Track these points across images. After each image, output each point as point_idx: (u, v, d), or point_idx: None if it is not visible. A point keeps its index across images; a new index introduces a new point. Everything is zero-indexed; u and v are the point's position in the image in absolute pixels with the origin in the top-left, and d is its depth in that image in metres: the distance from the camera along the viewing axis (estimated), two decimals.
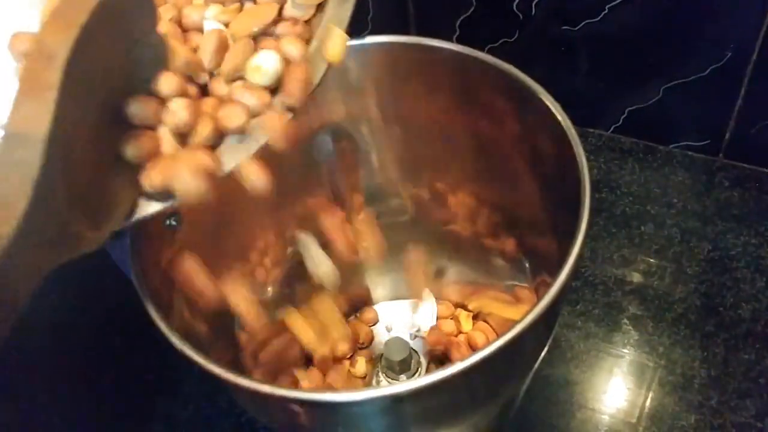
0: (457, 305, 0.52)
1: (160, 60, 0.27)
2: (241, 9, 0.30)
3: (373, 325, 0.52)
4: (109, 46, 0.24)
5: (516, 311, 0.47)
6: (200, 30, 0.30)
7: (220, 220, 0.41)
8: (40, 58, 0.21)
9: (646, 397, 0.48)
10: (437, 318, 0.52)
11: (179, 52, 0.27)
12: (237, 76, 0.29)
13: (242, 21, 0.30)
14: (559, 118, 0.34)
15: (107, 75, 0.24)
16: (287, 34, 0.30)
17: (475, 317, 0.51)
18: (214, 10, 0.30)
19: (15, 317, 0.21)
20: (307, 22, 0.30)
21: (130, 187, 0.26)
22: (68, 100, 0.21)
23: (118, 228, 0.26)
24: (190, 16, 0.29)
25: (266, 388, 0.28)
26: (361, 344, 0.51)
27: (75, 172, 0.23)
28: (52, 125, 0.21)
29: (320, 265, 0.44)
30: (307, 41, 0.30)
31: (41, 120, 0.21)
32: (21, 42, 0.30)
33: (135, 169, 0.26)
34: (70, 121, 0.22)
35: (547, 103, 0.35)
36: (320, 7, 0.31)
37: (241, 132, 0.27)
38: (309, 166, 0.44)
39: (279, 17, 0.30)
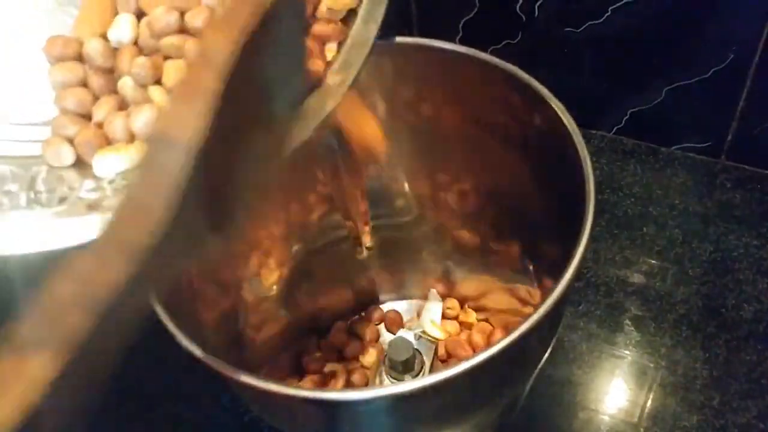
0: (463, 305, 0.52)
1: (298, 63, 0.26)
2: None
3: (379, 323, 0.53)
4: (264, 51, 0.23)
5: (521, 311, 0.47)
6: None
7: None
8: (201, 61, 0.20)
9: (648, 398, 0.48)
10: (442, 318, 0.52)
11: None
12: None
13: None
14: (564, 119, 0.34)
15: (261, 76, 0.24)
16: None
17: (480, 318, 0.51)
18: None
19: (132, 335, 0.20)
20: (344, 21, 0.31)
21: (253, 188, 0.25)
22: (222, 106, 0.20)
23: (237, 229, 0.25)
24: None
25: (272, 387, 0.28)
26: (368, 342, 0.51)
27: (213, 179, 0.22)
28: (203, 132, 0.20)
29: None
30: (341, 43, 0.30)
31: (192, 125, 0.20)
32: (55, 46, 0.30)
33: (263, 171, 0.25)
34: (218, 127, 0.21)
35: (552, 104, 0.35)
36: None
37: None
38: (313, 166, 0.44)
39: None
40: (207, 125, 0.20)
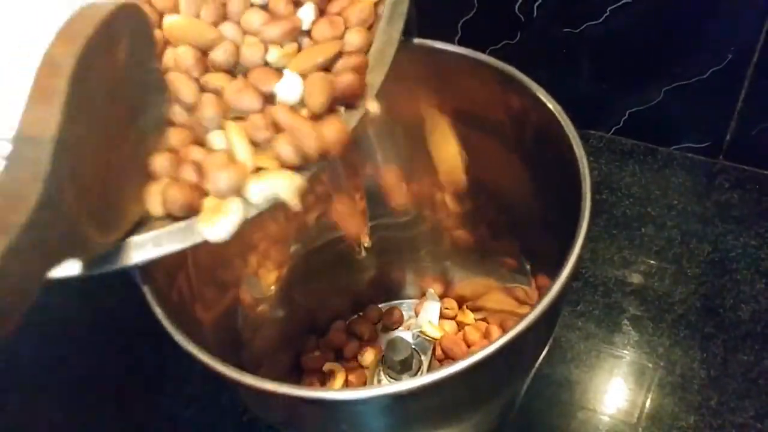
0: (460, 305, 0.52)
1: (158, 85, 0.29)
2: (299, 50, 0.31)
3: (377, 323, 0.53)
4: (113, 63, 0.26)
5: (518, 311, 0.47)
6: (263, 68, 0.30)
7: None
8: (48, 67, 0.23)
9: (646, 398, 0.48)
10: (440, 318, 0.52)
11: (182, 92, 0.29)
12: None
13: (304, 58, 0.30)
14: (561, 120, 0.34)
15: (116, 89, 0.27)
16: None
17: (478, 318, 0.51)
18: (275, 53, 0.30)
19: (21, 310, 0.22)
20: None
21: (139, 201, 0.28)
22: (75, 107, 0.23)
23: (122, 237, 0.28)
24: (249, 56, 0.30)
25: (270, 386, 0.28)
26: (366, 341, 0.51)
27: (86, 177, 0.24)
28: (60, 128, 0.23)
29: None
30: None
31: (49, 123, 0.23)
32: None
33: (138, 186, 0.28)
34: (79, 127, 0.24)
35: (549, 105, 0.35)
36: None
37: None
38: None
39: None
40: (62, 122, 0.23)
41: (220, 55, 0.30)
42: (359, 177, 0.42)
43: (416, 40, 0.38)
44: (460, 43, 0.39)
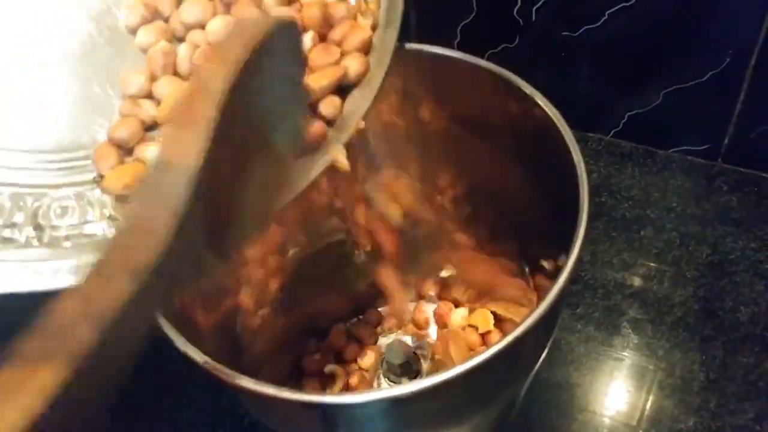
0: (459, 307, 0.52)
1: (299, 100, 0.28)
2: None
3: (377, 326, 0.53)
4: (260, 84, 0.24)
5: (517, 314, 0.47)
6: None
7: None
8: (199, 90, 0.22)
9: (646, 400, 0.49)
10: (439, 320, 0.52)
11: None
12: None
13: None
14: (558, 124, 0.35)
15: (254, 111, 0.25)
16: None
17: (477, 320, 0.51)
18: None
19: (135, 351, 0.21)
20: None
21: (257, 220, 0.27)
22: (220, 134, 0.22)
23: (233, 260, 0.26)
24: None
25: (270, 391, 0.28)
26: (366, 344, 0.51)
27: (213, 205, 0.23)
28: (202, 157, 0.21)
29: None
30: None
31: (192, 150, 0.21)
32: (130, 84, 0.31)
33: (265, 204, 0.27)
34: (218, 154, 0.22)
35: (546, 109, 0.35)
36: None
37: None
38: None
39: None
40: (205, 151, 0.21)
41: None
42: (359, 182, 0.42)
43: (415, 46, 0.39)
44: (459, 47, 0.39)
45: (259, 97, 0.25)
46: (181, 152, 0.21)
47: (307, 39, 0.32)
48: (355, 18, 0.33)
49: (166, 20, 0.34)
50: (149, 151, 0.31)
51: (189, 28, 0.33)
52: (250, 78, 0.23)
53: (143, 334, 0.21)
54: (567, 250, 0.31)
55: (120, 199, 0.31)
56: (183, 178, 0.20)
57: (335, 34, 0.32)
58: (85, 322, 0.18)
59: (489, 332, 0.49)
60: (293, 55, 0.27)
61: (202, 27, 0.33)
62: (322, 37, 0.32)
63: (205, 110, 0.21)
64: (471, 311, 0.52)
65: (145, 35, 0.33)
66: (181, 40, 0.34)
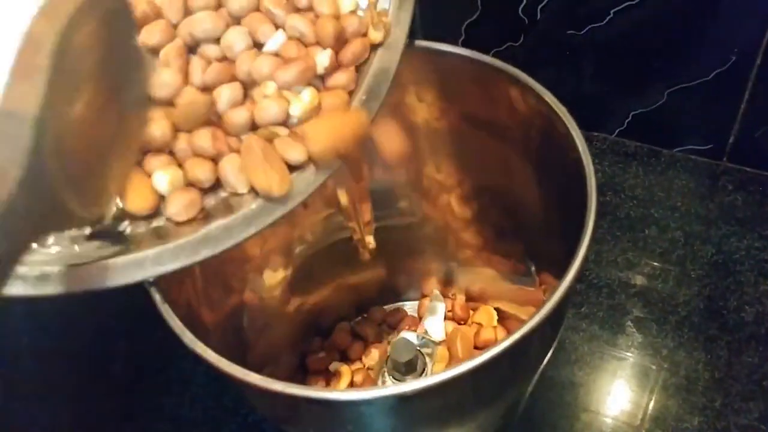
0: (465, 306, 0.52)
1: (137, 62, 0.30)
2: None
3: (382, 324, 0.53)
4: (94, 40, 0.26)
5: (523, 313, 0.47)
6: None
7: None
8: (30, 44, 0.24)
9: (650, 400, 0.49)
10: (445, 319, 0.52)
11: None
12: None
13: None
14: (566, 122, 0.35)
15: (97, 66, 0.27)
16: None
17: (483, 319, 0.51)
18: (297, 108, 0.31)
19: (2, 283, 0.22)
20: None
21: (121, 177, 0.29)
22: (57, 83, 0.23)
23: (104, 212, 0.29)
24: (267, 109, 0.31)
25: (276, 386, 0.28)
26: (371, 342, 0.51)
27: (68, 152, 0.25)
28: (42, 104, 0.23)
29: None
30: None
31: (31, 99, 0.23)
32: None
33: (119, 165, 0.29)
34: (61, 103, 0.24)
35: (554, 107, 0.35)
36: None
37: None
38: None
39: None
40: (45, 98, 0.23)
41: (236, 116, 0.31)
42: (364, 178, 0.42)
43: (421, 43, 0.39)
44: (464, 46, 0.39)
45: (96, 55, 0.27)
46: (21, 101, 0.23)
47: (325, 58, 0.32)
48: (366, 32, 0.33)
49: (174, 27, 0.33)
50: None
51: (200, 41, 0.33)
52: (81, 33, 0.25)
53: (6, 270, 0.23)
54: (573, 249, 0.31)
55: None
56: (26, 124, 0.22)
57: (347, 56, 0.32)
58: None
59: (494, 328, 0.49)
60: (123, 17, 0.29)
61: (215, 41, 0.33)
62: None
63: (39, 61, 0.23)
64: (475, 309, 0.52)
65: (148, 35, 0.33)
66: (190, 49, 0.33)
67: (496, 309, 0.51)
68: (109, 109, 0.28)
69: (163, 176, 0.31)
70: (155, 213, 0.31)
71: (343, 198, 0.43)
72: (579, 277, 0.31)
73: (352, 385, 0.48)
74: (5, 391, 0.52)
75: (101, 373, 0.54)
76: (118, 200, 0.31)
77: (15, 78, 0.23)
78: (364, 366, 0.50)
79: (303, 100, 0.31)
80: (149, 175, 0.31)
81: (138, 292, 0.32)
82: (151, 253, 0.30)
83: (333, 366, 0.49)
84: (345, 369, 0.49)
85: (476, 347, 0.49)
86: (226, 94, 0.31)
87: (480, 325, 0.51)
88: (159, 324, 0.31)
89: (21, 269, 0.29)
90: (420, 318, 0.53)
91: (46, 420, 0.52)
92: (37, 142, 0.22)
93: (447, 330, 0.51)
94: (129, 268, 0.30)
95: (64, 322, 0.55)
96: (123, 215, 0.31)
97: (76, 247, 0.30)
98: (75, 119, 0.25)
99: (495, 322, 0.50)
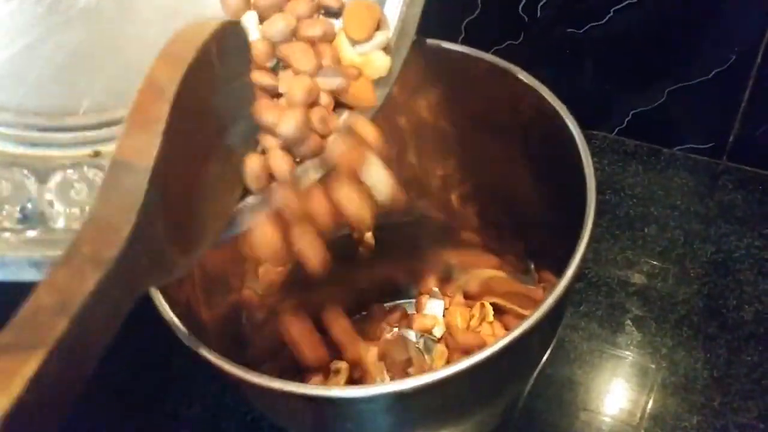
0: (466, 301, 0.52)
1: (249, 97, 0.29)
2: None
3: (381, 322, 0.53)
4: (210, 81, 0.26)
5: (522, 312, 0.47)
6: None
7: None
8: (150, 91, 0.23)
9: (649, 398, 0.49)
10: (443, 317, 0.52)
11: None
12: None
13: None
14: (566, 120, 0.35)
15: (209, 105, 0.26)
16: None
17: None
18: None
19: (104, 345, 0.22)
20: None
21: (218, 217, 0.28)
22: (174, 133, 0.23)
23: (203, 253, 0.27)
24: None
25: (274, 384, 0.28)
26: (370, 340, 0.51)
27: (174, 200, 0.24)
28: (159, 157, 0.22)
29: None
30: None
31: (149, 151, 0.22)
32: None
33: (224, 200, 0.28)
34: (174, 152, 0.23)
35: (554, 105, 0.35)
36: None
37: None
38: None
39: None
40: (161, 150, 0.22)
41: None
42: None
43: (421, 40, 0.38)
44: (464, 44, 0.39)
45: (211, 96, 0.26)
46: (138, 152, 0.22)
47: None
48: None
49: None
50: None
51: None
52: (201, 77, 0.24)
53: (113, 325, 0.22)
54: (573, 247, 0.31)
55: None
56: (141, 178, 0.22)
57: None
58: (58, 312, 0.20)
59: (490, 324, 0.49)
60: (241, 55, 0.29)
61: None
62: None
63: (159, 111, 0.22)
64: (470, 306, 0.52)
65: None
66: None
67: (495, 306, 0.51)
68: (217, 149, 0.27)
69: None
70: None
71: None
72: (578, 276, 0.31)
73: (351, 382, 0.48)
74: None
75: (100, 371, 0.54)
76: None
77: (132, 126, 0.22)
78: (364, 363, 0.50)
79: None
80: None
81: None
82: None
83: (334, 365, 0.49)
84: (343, 366, 0.49)
85: (468, 345, 0.49)
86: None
87: (479, 322, 0.51)
88: (158, 322, 0.31)
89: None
90: (418, 316, 0.53)
91: None
92: (151, 196, 0.22)
93: (446, 327, 0.51)
94: None
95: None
96: None
97: None
98: (183, 164, 0.24)
99: (491, 318, 0.50)
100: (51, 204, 0.29)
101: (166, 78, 0.23)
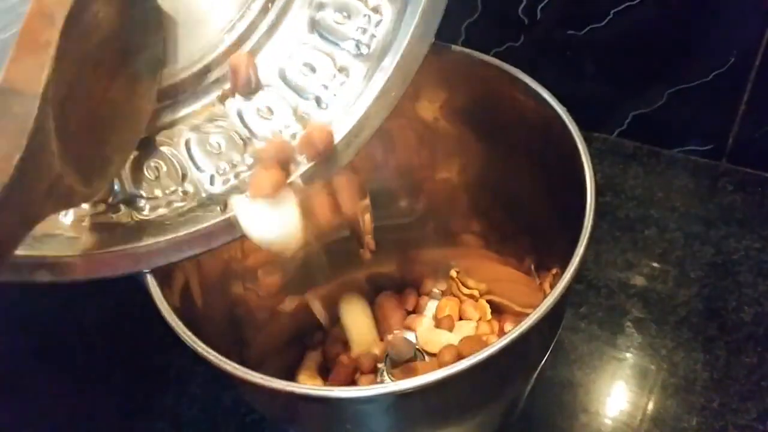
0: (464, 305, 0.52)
1: (155, 24, 0.28)
2: None
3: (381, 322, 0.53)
4: (110, 9, 0.25)
5: (522, 313, 0.47)
6: None
7: None
8: (39, 17, 0.22)
9: (649, 400, 0.49)
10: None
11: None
12: None
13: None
14: (567, 122, 0.35)
15: (108, 34, 0.25)
16: None
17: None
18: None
19: (4, 265, 0.22)
20: None
21: (123, 149, 0.27)
22: (64, 60, 0.22)
23: (107, 185, 0.27)
24: None
25: (275, 384, 0.28)
26: None
27: (69, 129, 0.23)
28: (48, 82, 0.21)
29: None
30: None
31: (37, 77, 0.21)
32: None
33: (127, 131, 0.27)
34: (66, 80, 0.22)
35: (555, 107, 0.35)
36: None
37: None
38: None
39: None
40: (52, 75, 0.21)
41: None
42: (361, 176, 0.42)
43: None
44: (464, 46, 0.39)
45: (111, 21, 0.25)
46: (27, 78, 0.21)
47: None
48: None
49: None
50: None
51: None
52: (92, 2, 0.24)
53: (6, 254, 0.22)
54: (572, 249, 0.31)
55: None
56: (31, 104, 0.21)
57: None
58: None
59: (488, 322, 0.49)
60: None
61: None
62: None
63: (49, 35, 0.22)
64: (463, 301, 0.52)
65: None
66: None
67: (494, 306, 0.51)
68: (119, 78, 0.26)
69: None
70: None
71: (345, 207, 0.43)
72: (578, 277, 0.31)
73: (351, 383, 0.48)
74: (4, 391, 0.52)
75: (100, 372, 0.54)
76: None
77: (21, 52, 0.21)
78: (364, 364, 0.50)
79: None
80: None
81: (138, 291, 0.32)
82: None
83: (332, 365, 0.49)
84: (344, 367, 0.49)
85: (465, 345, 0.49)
86: None
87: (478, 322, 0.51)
88: (158, 323, 0.31)
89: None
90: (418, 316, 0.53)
91: (45, 419, 0.52)
92: (41, 122, 0.21)
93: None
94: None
95: (64, 322, 0.55)
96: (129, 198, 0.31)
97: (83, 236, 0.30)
98: (80, 92, 0.24)
99: (489, 316, 0.50)
100: None
101: (56, 4, 0.22)
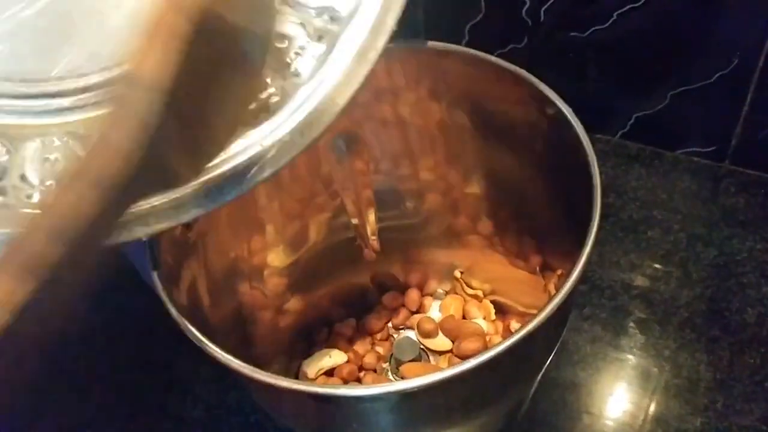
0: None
1: (266, 11, 0.27)
2: None
3: (387, 322, 0.53)
4: (232, 17, 0.24)
5: (527, 314, 0.47)
6: None
7: (234, 229, 0.41)
8: (174, 9, 0.21)
9: (652, 401, 0.49)
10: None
11: None
12: None
13: None
14: (572, 121, 0.35)
15: (224, 25, 0.24)
16: None
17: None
18: None
19: (102, 264, 0.21)
20: None
21: (229, 129, 0.26)
22: (190, 49, 0.21)
23: (209, 163, 0.26)
24: None
25: (280, 382, 0.28)
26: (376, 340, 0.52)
27: (184, 118, 0.22)
28: (174, 74, 0.20)
29: None
30: None
31: (164, 67, 0.20)
32: None
33: (236, 110, 0.26)
34: (187, 69, 0.21)
35: (560, 106, 0.36)
36: None
37: None
38: (319, 174, 0.45)
39: None
40: (177, 68, 0.20)
41: None
42: (368, 176, 0.42)
43: (427, 43, 0.39)
44: (468, 47, 0.39)
45: (230, 11, 0.24)
46: (152, 67, 0.20)
47: None
48: None
49: None
50: None
51: None
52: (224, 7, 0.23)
53: (107, 250, 0.21)
54: (578, 250, 0.31)
55: None
56: (154, 94, 0.20)
57: None
58: (49, 237, 0.18)
59: (493, 322, 0.49)
60: None
61: None
62: None
63: (179, 26, 0.20)
64: (467, 300, 0.52)
65: None
66: None
67: (499, 306, 0.51)
68: (233, 62, 0.25)
69: None
70: None
71: (349, 203, 0.44)
72: (582, 279, 0.31)
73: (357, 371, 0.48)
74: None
75: (104, 371, 0.54)
76: None
77: (149, 38, 0.20)
78: (369, 363, 0.50)
79: None
80: None
81: (142, 290, 0.32)
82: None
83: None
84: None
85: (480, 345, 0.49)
86: None
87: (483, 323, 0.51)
88: (162, 323, 0.31)
89: None
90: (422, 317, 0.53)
91: (48, 418, 0.52)
92: (161, 115, 0.20)
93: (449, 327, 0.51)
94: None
95: (66, 321, 0.55)
96: None
97: None
98: (199, 80, 0.22)
99: (493, 316, 0.50)
100: (23, 178, 0.28)
101: None
